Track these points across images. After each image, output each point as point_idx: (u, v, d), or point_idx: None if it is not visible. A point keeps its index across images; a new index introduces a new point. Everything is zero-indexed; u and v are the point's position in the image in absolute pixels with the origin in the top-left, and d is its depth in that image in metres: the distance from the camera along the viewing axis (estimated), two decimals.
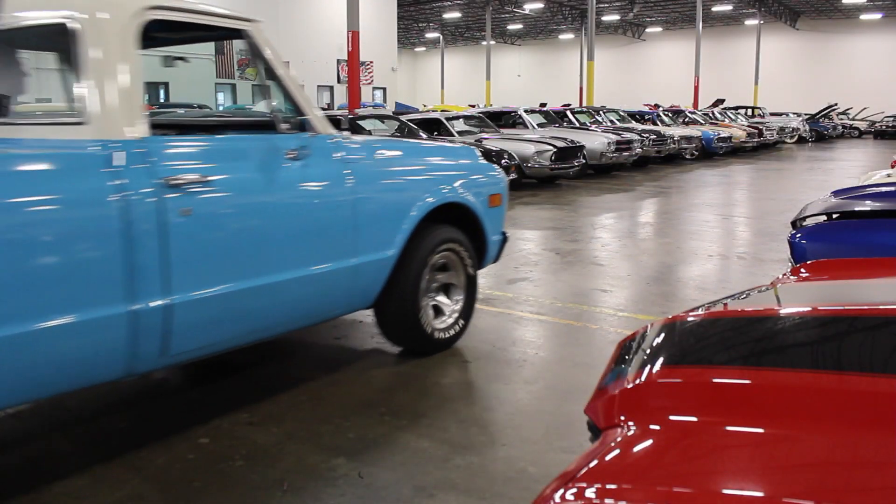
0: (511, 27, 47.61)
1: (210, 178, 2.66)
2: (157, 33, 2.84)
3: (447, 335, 3.82)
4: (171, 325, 2.54)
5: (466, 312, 3.94)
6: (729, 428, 1.18)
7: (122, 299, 2.39)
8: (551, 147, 11.70)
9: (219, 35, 3.14)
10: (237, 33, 3.01)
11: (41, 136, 2.64)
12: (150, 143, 2.55)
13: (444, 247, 3.73)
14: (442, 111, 15.77)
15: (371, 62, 29.73)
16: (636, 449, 1.21)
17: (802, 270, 2.18)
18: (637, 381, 1.38)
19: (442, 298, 3.88)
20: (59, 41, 3.13)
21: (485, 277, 5.47)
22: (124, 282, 2.39)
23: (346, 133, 3.40)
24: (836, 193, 4.45)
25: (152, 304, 2.47)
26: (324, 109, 24.80)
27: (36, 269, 2.21)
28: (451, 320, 3.86)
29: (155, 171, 2.50)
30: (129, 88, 2.53)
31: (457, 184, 3.80)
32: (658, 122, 19.24)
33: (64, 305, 2.26)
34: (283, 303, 3.01)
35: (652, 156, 16.19)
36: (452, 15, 41.82)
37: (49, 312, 2.23)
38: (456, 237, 3.80)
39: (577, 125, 16.04)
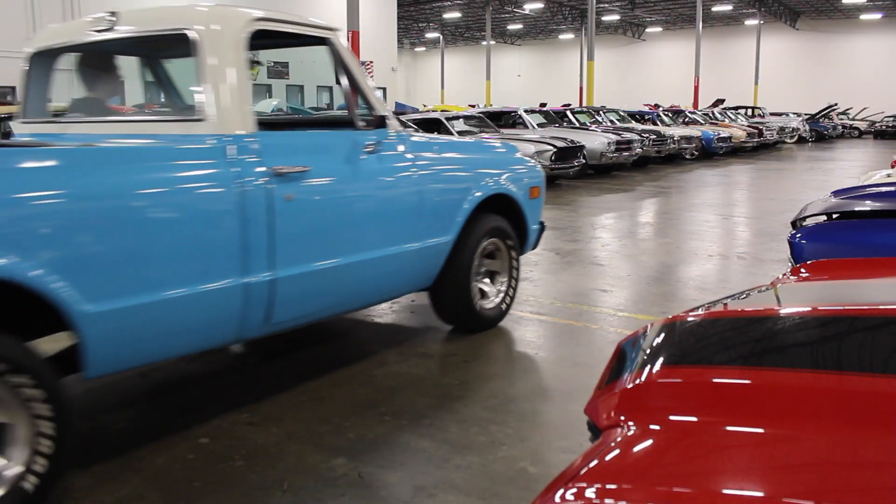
0: (511, 27, 47.61)
1: (308, 169, 3.01)
2: (257, 41, 3.16)
3: (493, 314, 4.22)
4: (275, 297, 2.91)
5: (510, 294, 4.34)
6: (729, 428, 1.18)
7: (237, 272, 2.75)
8: (551, 147, 11.70)
9: (305, 42, 3.47)
10: (322, 41, 3.37)
11: (164, 132, 2.95)
12: (258, 138, 2.87)
13: (491, 234, 4.10)
14: (442, 111, 15.78)
15: (371, 62, 29.69)
16: (636, 449, 1.21)
17: (802, 270, 2.18)
18: (637, 381, 1.38)
19: (489, 281, 4.26)
20: (175, 49, 3.52)
21: None
22: (240, 257, 2.75)
23: (409, 130, 3.73)
24: (836, 193, 4.45)
25: (260, 278, 2.83)
26: (324, 110, 24.83)
27: (173, 244, 2.55)
28: (497, 300, 4.26)
29: (262, 162, 2.85)
30: (239, 90, 2.86)
31: (503, 177, 4.16)
32: (658, 122, 19.23)
33: (197, 276, 2.62)
34: (363, 280, 3.38)
35: (652, 156, 16.19)
36: (452, 15, 41.82)
37: (187, 281, 2.59)
38: (502, 226, 4.18)
39: (577, 125, 16.02)
